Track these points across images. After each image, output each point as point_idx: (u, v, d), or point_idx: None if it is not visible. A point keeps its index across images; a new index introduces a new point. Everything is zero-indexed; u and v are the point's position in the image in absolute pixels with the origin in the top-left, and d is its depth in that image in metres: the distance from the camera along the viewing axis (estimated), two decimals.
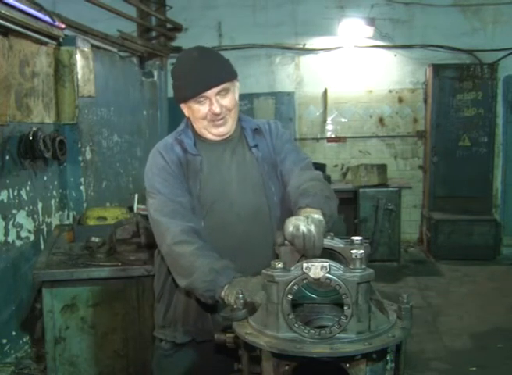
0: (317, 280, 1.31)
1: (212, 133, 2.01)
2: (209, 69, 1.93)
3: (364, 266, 1.33)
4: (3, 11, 3.69)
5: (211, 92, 1.92)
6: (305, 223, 1.54)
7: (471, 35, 7.29)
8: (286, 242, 1.55)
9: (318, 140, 7.74)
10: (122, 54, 6.32)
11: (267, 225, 1.98)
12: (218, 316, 1.75)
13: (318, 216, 1.64)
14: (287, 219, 1.58)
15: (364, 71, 7.53)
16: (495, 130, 7.20)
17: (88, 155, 5.05)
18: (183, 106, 2.04)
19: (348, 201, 6.55)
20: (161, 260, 2.02)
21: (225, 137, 2.04)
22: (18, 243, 4.21)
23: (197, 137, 2.06)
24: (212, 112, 1.94)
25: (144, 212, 3.69)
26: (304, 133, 7.65)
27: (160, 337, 2.10)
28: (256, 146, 2.07)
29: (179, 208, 1.91)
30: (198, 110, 1.96)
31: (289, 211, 1.86)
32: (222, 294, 1.67)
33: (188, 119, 2.06)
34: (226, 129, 2.01)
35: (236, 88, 2.03)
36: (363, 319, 1.31)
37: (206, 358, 1.99)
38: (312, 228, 1.53)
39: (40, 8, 4.27)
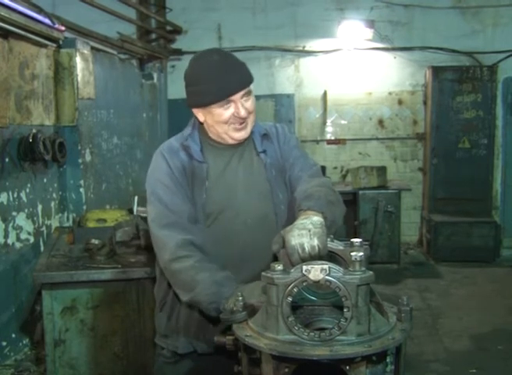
0: (316, 282, 1.31)
1: (233, 137, 1.94)
2: (234, 72, 1.88)
3: (363, 268, 1.33)
4: (3, 13, 3.69)
5: (238, 95, 1.87)
6: (308, 239, 1.51)
7: (471, 37, 7.30)
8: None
9: (317, 142, 7.74)
10: (121, 56, 6.32)
11: (274, 233, 1.83)
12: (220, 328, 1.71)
13: (317, 217, 1.62)
14: (289, 232, 1.55)
15: (364, 73, 7.54)
16: (494, 131, 7.20)
17: (88, 157, 5.05)
18: (197, 111, 1.94)
19: (348, 203, 6.47)
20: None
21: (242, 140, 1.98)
22: (18, 245, 4.21)
23: (205, 142, 1.99)
24: (238, 116, 1.89)
25: (144, 215, 3.68)
26: (303, 136, 7.63)
27: (161, 346, 2.06)
28: (264, 151, 2.01)
29: (177, 220, 1.85)
30: (221, 114, 1.88)
31: (295, 218, 1.79)
32: (226, 305, 1.62)
33: (201, 123, 1.98)
34: (247, 133, 1.95)
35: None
36: (363, 321, 1.31)
37: (207, 371, 1.96)
38: (316, 242, 1.51)
39: (40, 11, 4.27)
